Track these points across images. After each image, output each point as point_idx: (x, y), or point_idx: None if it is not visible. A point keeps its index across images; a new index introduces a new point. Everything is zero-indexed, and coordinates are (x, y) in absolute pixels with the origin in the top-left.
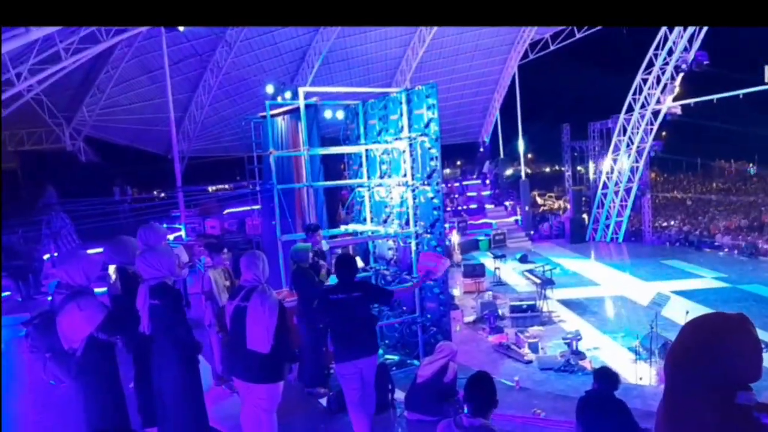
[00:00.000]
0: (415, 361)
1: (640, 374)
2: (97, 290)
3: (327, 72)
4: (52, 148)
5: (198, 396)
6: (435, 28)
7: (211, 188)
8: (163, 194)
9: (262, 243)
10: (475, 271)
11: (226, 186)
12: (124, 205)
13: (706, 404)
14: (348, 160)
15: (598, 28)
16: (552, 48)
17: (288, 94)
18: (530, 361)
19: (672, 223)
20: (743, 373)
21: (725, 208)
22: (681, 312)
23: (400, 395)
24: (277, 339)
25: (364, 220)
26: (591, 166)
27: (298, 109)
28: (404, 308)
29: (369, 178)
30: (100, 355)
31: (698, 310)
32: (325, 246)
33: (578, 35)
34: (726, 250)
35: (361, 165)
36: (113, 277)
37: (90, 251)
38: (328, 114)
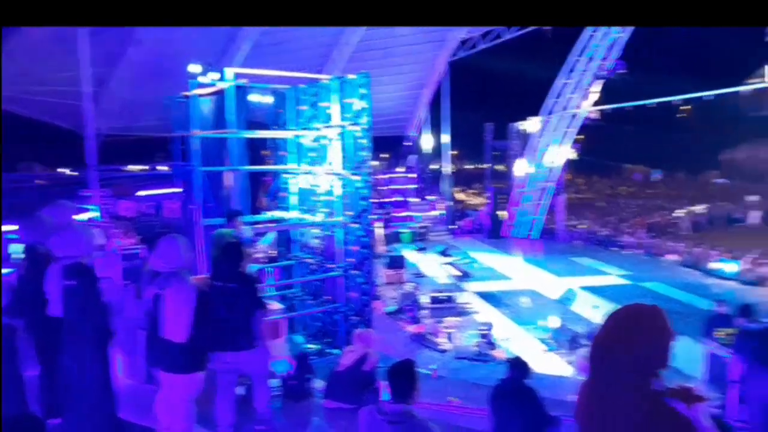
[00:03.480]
0: (336, 351)
1: (550, 365)
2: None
3: (256, 55)
4: None
5: (107, 385)
6: None
7: (128, 168)
8: (74, 173)
9: (180, 227)
10: (397, 263)
11: (146, 167)
12: (30, 182)
13: (625, 390)
14: (274, 146)
15: (526, 30)
16: (480, 48)
17: (215, 75)
18: (446, 351)
19: (583, 222)
20: (657, 361)
21: (630, 211)
22: (589, 306)
23: (320, 384)
24: (196, 327)
25: (290, 207)
26: (511, 165)
27: (224, 90)
28: (327, 297)
29: (297, 165)
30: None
31: (605, 306)
32: (248, 233)
33: (506, 36)
34: (630, 249)
35: (289, 151)
36: (18, 257)
37: None
38: (256, 97)
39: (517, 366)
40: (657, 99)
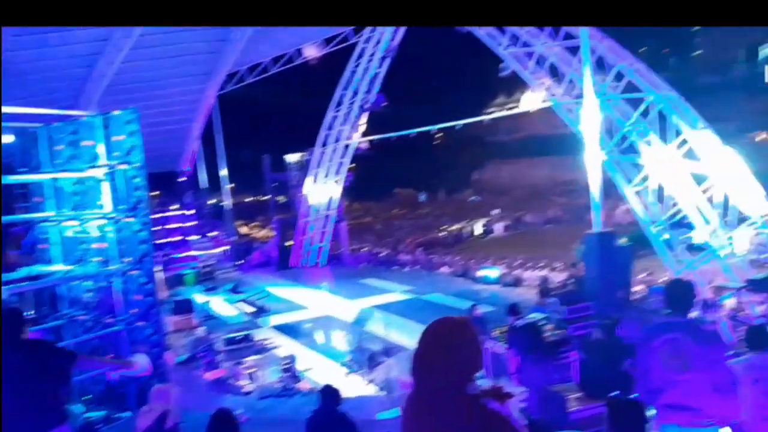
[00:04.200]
0: (126, 414)
1: (355, 386)
2: None
3: None
4: None
5: None
6: (126, 50)
7: None
8: None
9: None
10: (184, 307)
11: None
12: None
13: (448, 397)
14: (25, 192)
15: (291, 65)
16: (248, 81)
17: None
18: (250, 392)
19: (365, 246)
20: (472, 367)
21: (404, 232)
22: (381, 324)
23: None
24: None
25: (52, 260)
26: (292, 195)
27: None
28: (109, 356)
29: (57, 211)
30: None
31: (395, 321)
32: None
33: (272, 71)
34: (409, 266)
35: (45, 197)
36: None
37: None
38: None
39: (328, 394)
40: (416, 129)
